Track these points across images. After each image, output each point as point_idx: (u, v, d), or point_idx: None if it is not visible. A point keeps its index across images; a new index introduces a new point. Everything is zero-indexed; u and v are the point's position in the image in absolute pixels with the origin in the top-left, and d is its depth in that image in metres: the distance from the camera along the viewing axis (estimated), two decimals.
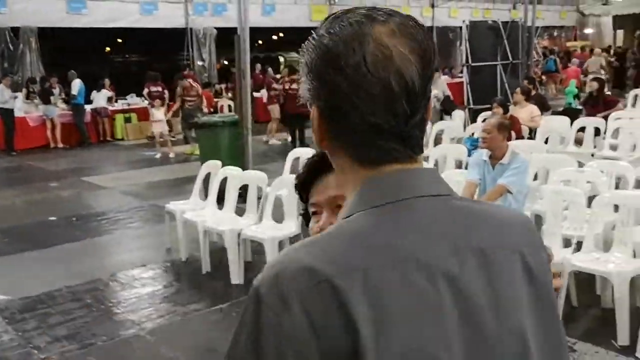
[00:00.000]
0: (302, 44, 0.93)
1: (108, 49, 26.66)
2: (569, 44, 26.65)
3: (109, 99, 15.10)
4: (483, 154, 4.81)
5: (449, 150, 6.87)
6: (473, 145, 7.69)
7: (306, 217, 1.38)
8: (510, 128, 4.78)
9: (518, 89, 8.67)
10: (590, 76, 11.72)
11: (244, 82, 7.48)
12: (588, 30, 28.69)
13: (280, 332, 0.77)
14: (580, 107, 10.11)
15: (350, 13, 0.89)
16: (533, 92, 9.46)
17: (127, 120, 15.07)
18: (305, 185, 1.35)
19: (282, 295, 0.78)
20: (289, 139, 12.75)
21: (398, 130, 0.87)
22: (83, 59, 19.66)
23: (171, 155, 12.07)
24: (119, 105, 15.42)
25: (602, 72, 16.13)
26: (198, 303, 4.94)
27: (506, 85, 10.90)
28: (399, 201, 0.86)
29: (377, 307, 0.78)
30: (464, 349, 0.81)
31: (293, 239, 5.26)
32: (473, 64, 10.73)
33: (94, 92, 14.91)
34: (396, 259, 0.81)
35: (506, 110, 7.70)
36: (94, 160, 12.43)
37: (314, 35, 0.91)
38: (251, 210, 5.55)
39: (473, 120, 9.85)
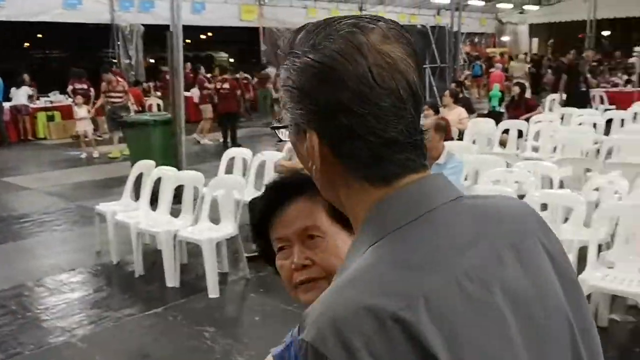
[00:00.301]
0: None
1: (27, 44, 25.44)
2: (488, 50, 27.61)
3: (30, 97, 14.36)
4: None
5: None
6: None
7: (265, 257, 1.24)
8: (446, 129, 4.87)
9: (447, 92, 8.88)
10: (514, 81, 12.16)
11: (177, 80, 7.26)
12: (506, 38, 29.84)
13: None
14: (503, 110, 10.47)
15: (332, 24, 0.82)
16: (460, 95, 9.71)
17: (50, 118, 14.40)
18: (263, 221, 1.20)
19: (346, 345, 0.70)
20: (221, 139, 12.55)
21: (411, 139, 0.82)
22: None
23: (95, 155, 11.61)
24: (41, 102, 14.70)
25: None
26: (131, 307, 4.74)
27: (434, 88, 11.14)
28: (421, 216, 0.80)
29: (447, 332, 0.72)
30: (526, 346, 0.78)
31: (230, 241, 5.16)
32: None
33: (13, 89, 14.14)
34: (447, 277, 0.75)
35: (437, 112, 7.86)
36: (15, 160, 11.78)
37: (294, 55, 0.83)
38: (187, 211, 5.39)
39: None
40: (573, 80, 10.82)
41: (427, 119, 4.80)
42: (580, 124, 9.04)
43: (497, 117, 9.71)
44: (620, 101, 12.88)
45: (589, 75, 12.15)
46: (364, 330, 0.70)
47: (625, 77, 16.32)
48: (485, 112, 10.81)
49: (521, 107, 9.63)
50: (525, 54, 24.83)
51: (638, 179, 5.17)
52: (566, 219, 4.58)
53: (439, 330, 0.71)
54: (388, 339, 0.70)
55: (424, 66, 11.09)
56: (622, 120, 9.68)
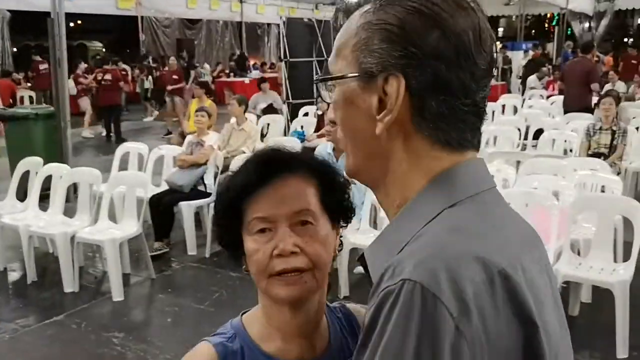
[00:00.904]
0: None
1: None
2: None
3: None
4: (327, 146, 4.87)
5: (283, 143, 6.87)
6: (300, 138, 7.82)
7: (232, 246, 1.07)
8: None
9: None
10: None
11: (60, 70, 6.75)
12: None
13: (460, 344, 0.65)
14: None
15: None
16: None
17: None
18: (241, 196, 1.03)
19: (459, 290, 0.66)
20: (104, 133, 11.87)
21: (485, 111, 0.80)
22: None
23: None
24: None
25: None
26: (27, 317, 4.33)
27: None
28: (478, 194, 0.78)
29: (536, 300, 0.73)
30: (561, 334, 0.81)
31: (134, 240, 4.88)
32: (291, 60, 10.88)
33: None
34: (524, 252, 0.77)
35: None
36: None
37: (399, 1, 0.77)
38: (83, 210, 5.01)
39: (293, 114, 9.98)
40: None
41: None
42: None
43: None
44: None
45: None
46: (475, 278, 0.67)
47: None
48: None
49: None
50: None
51: (521, 167, 5.51)
52: None
53: (533, 296, 0.72)
54: (493, 293, 0.68)
55: (310, 59, 11.16)
56: (493, 112, 10.30)
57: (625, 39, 24.80)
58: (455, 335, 0.64)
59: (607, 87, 9.35)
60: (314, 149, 7.26)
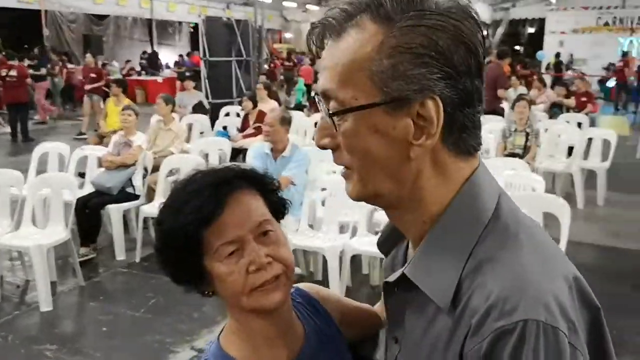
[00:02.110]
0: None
1: None
2: (275, 45, 28.28)
3: None
4: (265, 146, 4.77)
5: (211, 144, 6.67)
6: (223, 136, 7.64)
7: (193, 279, 1.04)
8: (291, 121, 4.82)
9: (260, 85, 8.84)
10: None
11: None
12: (289, 35, 30.86)
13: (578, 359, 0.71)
14: (306, 103, 10.79)
15: None
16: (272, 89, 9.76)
17: None
18: (198, 230, 0.99)
19: (568, 316, 0.71)
20: (9, 132, 11.05)
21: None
22: None
23: None
24: None
25: None
26: None
27: (241, 81, 11.05)
28: (499, 196, 0.82)
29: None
30: None
31: (62, 247, 4.54)
32: (210, 59, 10.61)
33: None
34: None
35: (255, 104, 7.79)
36: None
37: (433, 13, 0.74)
38: (3, 215, 4.61)
39: (213, 113, 9.73)
40: None
41: (273, 112, 4.71)
42: None
43: (301, 111, 9.97)
44: None
45: None
46: (565, 293, 0.72)
47: None
48: (292, 105, 11.04)
49: None
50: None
51: None
52: None
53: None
54: (573, 298, 0.73)
55: (229, 59, 10.95)
56: None
57: (517, 47, 26.28)
58: (572, 353, 0.69)
59: (510, 91, 9.80)
60: (241, 149, 7.14)
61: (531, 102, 7.47)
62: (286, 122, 4.67)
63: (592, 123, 9.63)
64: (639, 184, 7.99)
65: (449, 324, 0.75)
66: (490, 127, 7.72)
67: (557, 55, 21.21)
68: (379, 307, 1.20)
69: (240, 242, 1.00)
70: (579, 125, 8.96)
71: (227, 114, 9.45)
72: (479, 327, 0.70)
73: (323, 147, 0.81)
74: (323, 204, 4.94)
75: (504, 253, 0.74)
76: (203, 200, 0.99)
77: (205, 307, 4.35)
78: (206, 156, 6.33)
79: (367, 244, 4.47)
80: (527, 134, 6.79)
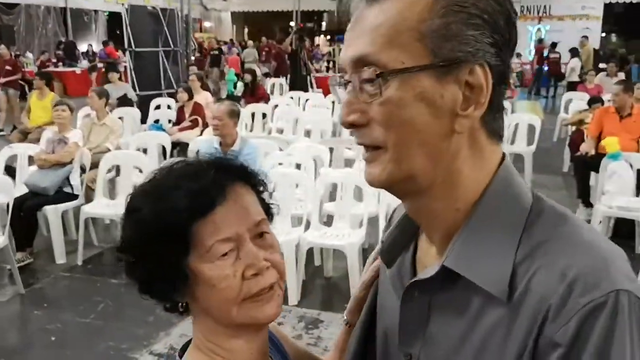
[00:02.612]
0: None
1: None
2: (196, 35, 27.59)
3: None
4: (214, 141, 4.60)
5: (149, 138, 6.40)
6: (158, 130, 7.36)
7: (169, 284, 0.87)
8: (239, 114, 4.67)
9: (193, 76, 8.57)
10: (248, 65, 12.29)
11: None
12: (209, 24, 30.16)
13: None
14: (239, 95, 10.57)
15: None
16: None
17: None
18: (189, 223, 0.84)
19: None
20: None
21: None
22: None
23: None
24: None
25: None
26: None
27: (169, 72, 10.68)
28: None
29: None
30: None
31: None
32: (136, 50, 10.16)
33: None
34: None
35: (191, 96, 7.54)
36: None
37: None
38: None
39: (141, 106, 9.31)
40: (296, 65, 11.43)
41: (221, 106, 4.54)
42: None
43: (235, 101, 9.75)
44: (324, 86, 14.03)
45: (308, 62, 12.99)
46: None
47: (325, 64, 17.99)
48: (224, 96, 10.79)
49: (255, 93, 9.79)
50: (231, 40, 25.43)
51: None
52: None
53: None
54: None
55: (156, 49, 10.53)
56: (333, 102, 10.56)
57: None
58: None
59: None
60: (178, 143, 6.88)
61: None
62: (235, 115, 4.52)
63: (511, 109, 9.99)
64: (559, 166, 8.39)
65: (504, 315, 0.69)
66: None
67: None
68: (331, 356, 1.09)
69: (237, 241, 0.85)
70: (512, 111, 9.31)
71: (158, 107, 9.10)
72: (560, 309, 0.65)
73: (350, 125, 0.73)
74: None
75: (564, 230, 0.71)
76: (202, 185, 0.84)
77: (159, 309, 4.14)
78: (144, 151, 6.06)
79: (320, 237, 4.43)
80: None
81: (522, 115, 8.47)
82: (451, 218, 0.75)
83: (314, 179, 4.79)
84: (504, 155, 0.76)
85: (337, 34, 24.05)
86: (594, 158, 6.14)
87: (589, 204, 6.18)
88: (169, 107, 9.08)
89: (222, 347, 0.90)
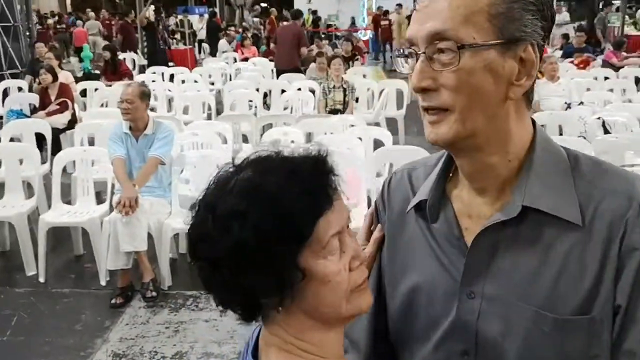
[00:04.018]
0: None
1: None
2: (33, 6, 24.56)
3: None
4: (123, 125, 4.14)
5: (25, 126, 5.60)
6: (19, 116, 6.50)
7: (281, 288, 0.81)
8: (150, 96, 4.22)
9: (51, 54, 7.66)
10: (93, 38, 11.19)
11: None
12: None
13: None
14: (98, 72, 9.66)
15: None
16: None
17: None
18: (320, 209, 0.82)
19: None
20: None
21: None
22: None
23: None
24: None
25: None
26: None
27: (10, 50, 9.43)
28: None
29: None
30: None
31: None
32: None
33: None
34: None
35: (55, 77, 6.71)
36: None
37: None
38: None
39: None
40: (154, 39, 10.66)
41: (129, 87, 4.03)
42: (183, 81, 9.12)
43: (95, 79, 8.91)
44: (180, 59, 13.32)
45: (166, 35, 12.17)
46: None
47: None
48: (80, 74, 9.76)
49: (117, 71, 9.01)
50: (75, 12, 22.88)
51: (296, 126, 5.52)
52: None
53: None
54: None
55: None
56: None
57: (265, 5, 26.60)
58: None
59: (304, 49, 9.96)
60: (53, 129, 6.07)
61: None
62: (146, 96, 4.10)
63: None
64: (420, 126, 8.86)
65: (579, 238, 0.83)
66: (300, 85, 7.83)
67: (315, 12, 22.12)
68: None
69: (342, 232, 0.84)
70: (364, 76, 9.55)
71: (5, 91, 7.98)
72: (636, 221, 0.81)
73: (422, 90, 0.84)
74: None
75: (603, 168, 0.88)
76: (319, 183, 0.83)
77: (84, 315, 3.73)
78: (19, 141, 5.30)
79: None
80: (345, 90, 7.00)
81: (389, 82, 8.75)
82: (504, 167, 0.88)
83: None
84: (532, 118, 0.91)
85: (171, 6, 22.79)
86: None
87: None
88: (20, 89, 8.03)
89: (313, 344, 0.87)
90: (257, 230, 0.77)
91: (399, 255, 1.01)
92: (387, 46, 17.69)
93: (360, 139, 4.82)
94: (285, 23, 10.26)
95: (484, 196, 0.91)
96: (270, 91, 8.08)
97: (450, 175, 0.97)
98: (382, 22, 18.05)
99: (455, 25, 0.80)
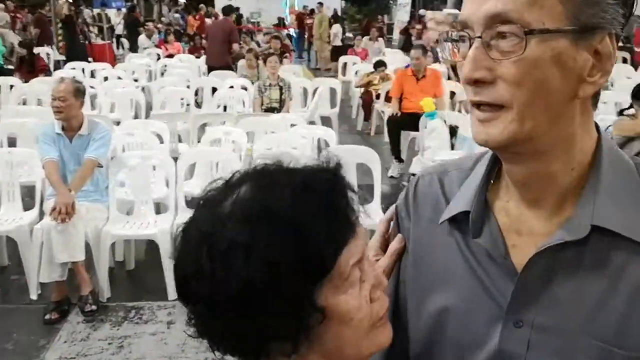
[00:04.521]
0: None
1: None
2: None
3: None
4: (54, 126, 3.78)
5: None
6: None
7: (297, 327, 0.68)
8: (85, 93, 3.87)
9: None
10: (2, 30, 10.35)
11: None
12: None
13: None
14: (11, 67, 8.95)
15: None
16: None
17: None
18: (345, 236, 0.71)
19: None
20: None
21: None
22: None
23: None
24: None
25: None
26: None
27: None
28: None
29: None
30: None
31: None
32: None
33: None
34: None
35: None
36: None
37: None
38: None
39: None
40: (72, 33, 10.00)
41: (62, 84, 3.65)
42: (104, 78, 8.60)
43: (8, 75, 8.25)
44: (100, 54, 12.63)
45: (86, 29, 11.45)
46: None
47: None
48: None
49: (34, 67, 8.40)
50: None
51: (237, 125, 5.31)
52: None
53: None
54: None
55: None
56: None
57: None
58: None
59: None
60: None
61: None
62: (81, 94, 3.76)
63: None
64: (354, 125, 8.89)
65: None
66: (233, 83, 7.57)
67: (237, 9, 21.73)
68: None
69: (362, 260, 0.72)
70: (294, 74, 9.40)
71: None
72: None
73: (476, 81, 0.70)
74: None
75: None
76: (341, 209, 0.70)
77: (15, 333, 3.38)
78: None
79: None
80: (281, 88, 6.84)
81: (325, 80, 8.68)
82: (567, 177, 0.75)
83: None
84: (595, 122, 0.78)
85: None
86: (403, 117, 6.59)
87: (400, 160, 6.63)
88: None
89: None
90: (265, 265, 0.63)
91: (428, 271, 0.87)
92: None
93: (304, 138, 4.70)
94: (214, 19, 9.94)
95: (537, 209, 0.77)
96: (202, 89, 7.79)
97: (491, 181, 0.83)
98: (308, 21, 17.98)
99: (521, 6, 0.67)
